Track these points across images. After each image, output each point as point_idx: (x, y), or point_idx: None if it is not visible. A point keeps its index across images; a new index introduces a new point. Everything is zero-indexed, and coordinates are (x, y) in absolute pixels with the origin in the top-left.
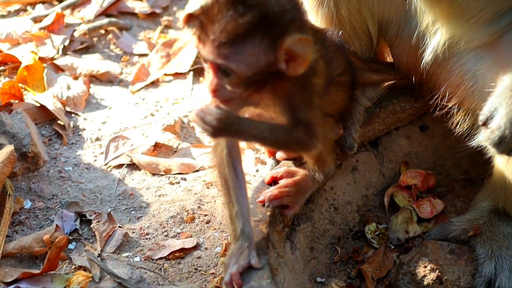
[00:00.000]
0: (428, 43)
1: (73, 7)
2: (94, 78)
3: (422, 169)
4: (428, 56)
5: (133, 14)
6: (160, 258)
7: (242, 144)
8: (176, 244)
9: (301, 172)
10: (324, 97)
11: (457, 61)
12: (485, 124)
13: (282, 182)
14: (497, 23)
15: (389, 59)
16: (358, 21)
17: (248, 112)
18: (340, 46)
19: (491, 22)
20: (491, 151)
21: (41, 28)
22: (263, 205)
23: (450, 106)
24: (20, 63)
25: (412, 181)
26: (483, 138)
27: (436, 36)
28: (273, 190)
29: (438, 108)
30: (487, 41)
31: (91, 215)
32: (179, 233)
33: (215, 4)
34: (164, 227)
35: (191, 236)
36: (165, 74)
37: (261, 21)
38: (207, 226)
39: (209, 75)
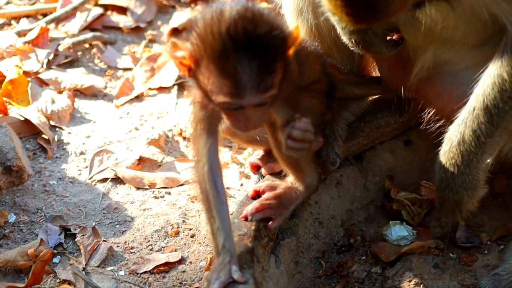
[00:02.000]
0: (417, 60)
1: (57, 21)
2: (79, 92)
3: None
4: (416, 71)
5: (117, 29)
6: (145, 272)
7: (226, 159)
8: (161, 258)
9: (283, 185)
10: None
11: (446, 77)
12: None
13: (264, 195)
14: (484, 46)
15: (375, 73)
16: (338, 33)
17: None
18: (316, 54)
19: (478, 46)
20: None
21: (25, 42)
22: (246, 219)
23: (439, 120)
24: (5, 77)
25: None
26: None
27: (424, 55)
28: (254, 204)
29: (425, 123)
30: (475, 63)
31: (75, 229)
32: (164, 247)
33: (230, 57)
34: (149, 241)
35: (175, 250)
36: (150, 88)
37: (279, 43)
38: (192, 240)
39: (244, 114)
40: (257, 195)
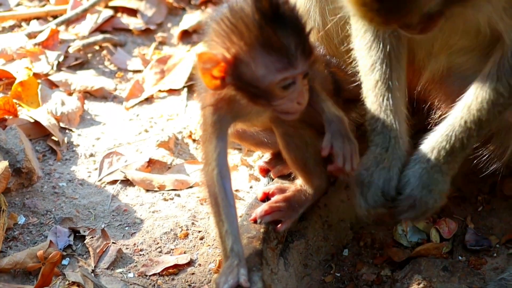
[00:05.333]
0: (429, 65)
1: (67, 23)
2: (89, 94)
3: None
4: (428, 75)
5: (127, 30)
6: (154, 274)
7: (235, 161)
8: (170, 260)
9: (292, 187)
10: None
11: (456, 80)
12: None
13: (274, 198)
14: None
15: None
16: (345, 34)
17: None
18: (319, 55)
19: (487, 54)
20: None
21: (35, 44)
22: (255, 222)
23: None
24: (15, 79)
25: None
26: None
27: (437, 61)
28: (264, 206)
29: (433, 125)
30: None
31: (85, 231)
32: (173, 249)
33: (271, 32)
34: (158, 243)
35: (184, 252)
36: (160, 91)
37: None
38: (201, 242)
39: (296, 90)
40: (266, 197)
